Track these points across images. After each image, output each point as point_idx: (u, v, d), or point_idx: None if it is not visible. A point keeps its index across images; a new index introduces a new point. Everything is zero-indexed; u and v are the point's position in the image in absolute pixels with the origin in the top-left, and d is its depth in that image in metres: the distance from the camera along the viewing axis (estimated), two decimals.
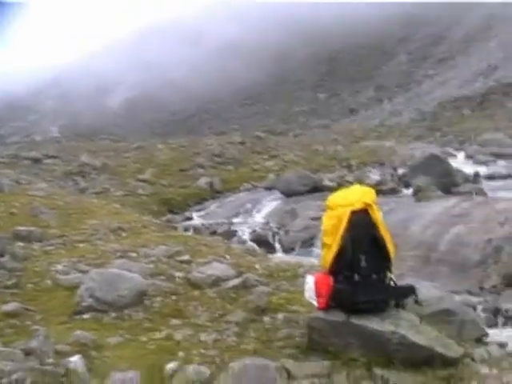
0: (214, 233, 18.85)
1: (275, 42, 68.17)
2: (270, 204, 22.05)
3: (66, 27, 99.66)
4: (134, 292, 6.65)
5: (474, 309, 10.31)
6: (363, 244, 5.20)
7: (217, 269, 7.71)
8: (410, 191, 19.72)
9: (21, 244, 9.47)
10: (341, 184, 22.13)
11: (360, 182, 22.29)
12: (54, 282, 7.59)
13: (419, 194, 18.50)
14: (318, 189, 21.94)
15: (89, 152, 26.65)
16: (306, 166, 24.97)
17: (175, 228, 14.20)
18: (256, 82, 66.13)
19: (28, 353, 5.21)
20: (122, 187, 23.05)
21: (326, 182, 22.43)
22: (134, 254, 8.93)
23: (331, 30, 64.00)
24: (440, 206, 16.98)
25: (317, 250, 17.28)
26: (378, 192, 20.84)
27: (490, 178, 21.12)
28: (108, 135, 41.34)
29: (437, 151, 24.00)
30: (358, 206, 5.30)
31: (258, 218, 21.24)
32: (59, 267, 8.09)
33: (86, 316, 6.49)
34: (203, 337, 5.86)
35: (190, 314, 6.51)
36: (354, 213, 5.26)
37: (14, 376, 4.85)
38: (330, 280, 5.26)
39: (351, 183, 22.50)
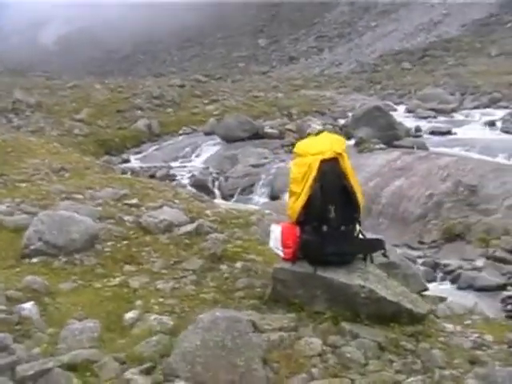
0: (152, 176, 18.52)
1: None
2: (210, 149, 21.80)
3: None
4: (85, 236, 6.36)
5: (414, 263, 10.41)
6: (333, 194, 5.05)
7: (168, 214, 7.47)
8: (351, 142, 19.73)
9: None
10: (282, 132, 22.09)
11: (300, 130, 22.24)
12: None
13: (361, 146, 18.58)
14: (258, 135, 21.75)
15: (23, 88, 25.58)
16: (247, 112, 24.70)
17: (118, 171, 13.78)
18: (195, 24, 64.63)
19: None
20: (57, 126, 22.34)
21: (267, 129, 22.25)
22: (79, 196, 8.59)
23: None
24: (382, 159, 17.09)
25: (257, 198, 17.31)
26: None
27: (431, 133, 21.31)
28: (42, 72, 39.73)
29: (372, 103, 24.02)
30: (328, 154, 5.13)
31: (198, 162, 21.01)
32: (2, 207, 7.68)
33: (34, 260, 6.18)
34: (160, 285, 5.67)
35: (144, 261, 6.29)
36: (324, 162, 5.09)
37: None
38: (297, 230, 5.10)
39: (292, 131, 22.43)
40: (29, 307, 4.88)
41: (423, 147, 18.59)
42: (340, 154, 5.17)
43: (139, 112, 24.95)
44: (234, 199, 17.33)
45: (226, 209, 8.56)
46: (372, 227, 14.06)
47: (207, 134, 23.02)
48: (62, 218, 6.37)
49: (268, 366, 4.15)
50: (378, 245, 5.27)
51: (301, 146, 5.36)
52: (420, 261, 11.58)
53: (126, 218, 7.51)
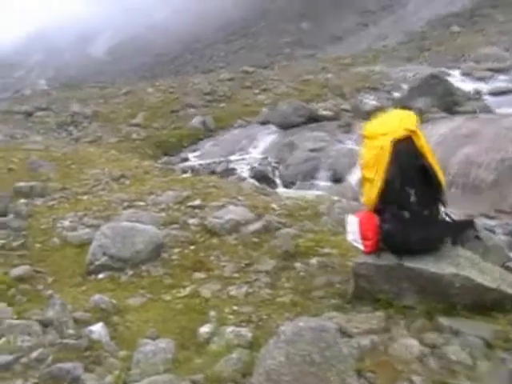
0: (212, 172, 18.18)
1: None
2: (266, 138, 21.28)
3: None
4: (151, 245, 5.98)
5: (494, 233, 9.64)
6: (411, 176, 4.46)
7: (233, 212, 7.01)
8: None
9: (23, 201, 8.81)
10: (337, 113, 21.40)
11: (356, 109, 21.52)
12: (62, 240, 6.94)
13: (421, 117, 17.72)
14: (313, 119, 21.11)
15: (79, 101, 25.72)
16: (299, 96, 24.05)
17: (178, 171, 13.47)
18: (238, 16, 64.17)
19: (45, 324, 4.54)
20: (114, 133, 22.28)
21: (322, 112, 21.59)
22: (141, 203, 8.23)
23: None
24: (445, 127, 16.21)
25: (320, 183, 16.74)
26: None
27: (492, 94, 20.23)
28: (96, 83, 40.02)
29: (430, 71, 23.01)
30: (400, 133, 4.55)
31: (256, 153, 20.52)
32: (65, 223, 7.41)
33: (101, 276, 5.85)
34: (233, 291, 5.21)
35: (214, 266, 5.85)
36: (396, 142, 4.51)
37: (34, 354, 4.21)
38: (376, 219, 4.55)
39: (347, 111, 21.72)
40: (98, 329, 4.51)
41: (486, 110, 17.62)
42: (413, 131, 4.58)
43: (192, 110, 24.66)
44: (295, 186, 16.83)
45: (293, 200, 8.04)
46: None
47: (262, 123, 22.51)
48: (124, 230, 6.00)
49: (363, 377, 3.63)
50: (467, 226, 4.65)
51: (368, 127, 4.79)
52: (500, 230, 10.79)
53: (191, 221, 7.10)
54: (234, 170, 18.65)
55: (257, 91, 26.02)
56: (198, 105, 25.11)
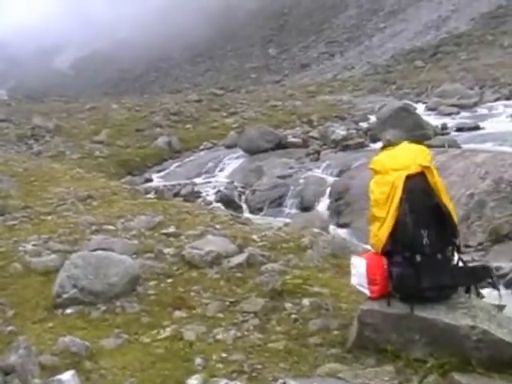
0: (176, 194, 17.68)
1: None
2: (233, 162, 20.88)
3: None
4: (126, 277, 5.40)
5: None
6: (424, 216, 4.05)
7: (213, 243, 6.50)
8: (378, 145, 18.76)
9: None
10: (306, 140, 21.12)
11: (324, 137, 21.27)
12: (24, 266, 6.26)
13: (389, 149, 17.51)
14: (282, 145, 20.80)
15: (41, 114, 24.90)
16: (266, 122, 23.82)
17: (145, 193, 12.89)
18: (205, 38, 63.96)
19: (7, 372, 3.92)
20: (77, 150, 21.58)
21: (291, 139, 21.30)
22: (111, 227, 7.64)
23: None
24: None
25: (287, 210, 16.34)
26: (346, 147, 19.89)
27: (459, 129, 20.23)
28: (59, 96, 39.11)
29: (397, 103, 22.98)
30: (414, 169, 4.15)
31: (222, 177, 20.09)
32: (28, 246, 6.76)
33: (69, 310, 5.22)
34: (220, 334, 4.66)
35: (195, 303, 5.30)
36: (409, 178, 4.11)
37: None
38: (384, 262, 4.11)
39: (316, 139, 21.44)
40: (68, 379, 3.88)
41: (455, 145, 17.52)
42: (427, 167, 4.18)
43: (158, 129, 24.13)
44: (262, 213, 16.41)
45: (272, 231, 7.55)
46: None
47: (229, 147, 22.14)
48: (98, 259, 5.40)
49: None
50: (483, 273, 4.25)
51: (379, 161, 4.36)
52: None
53: (167, 250, 6.55)
54: (199, 193, 18.15)
55: (224, 114, 25.68)
56: (163, 125, 24.58)
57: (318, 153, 19.22)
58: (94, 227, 7.61)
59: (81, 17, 76.63)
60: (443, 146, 17.33)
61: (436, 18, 47.72)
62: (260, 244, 6.83)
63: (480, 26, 43.39)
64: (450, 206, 4.17)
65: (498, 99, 26.19)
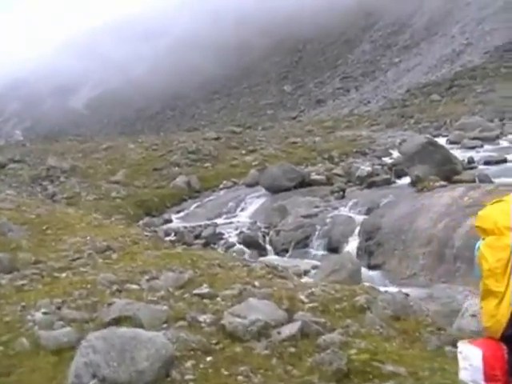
0: (198, 236, 16.69)
1: (234, 33, 65.68)
2: (255, 201, 19.84)
3: (25, 29, 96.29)
4: (158, 361, 4.27)
5: None
6: None
7: (257, 309, 5.38)
8: (404, 181, 17.74)
9: None
10: (329, 177, 20.11)
11: (349, 174, 20.25)
12: (32, 342, 5.14)
13: (420, 185, 16.43)
14: (305, 183, 19.78)
15: (56, 154, 24.08)
16: (286, 159, 22.86)
17: (168, 235, 11.85)
18: (220, 75, 63.60)
19: None
20: (93, 190, 20.63)
21: (314, 176, 20.27)
22: (134, 286, 6.57)
23: (293, 20, 61.69)
24: (447, 197, 14.89)
25: (314, 252, 15.25)
26: (372, 184, 18.83)
27: (486, 163, 19.15)
28: (74, 136, 38.50)
29: (420, 138, 21.97)
30: None
31: (244, 217, 19.02)
32: (38, 315, 5.67)
33: None
34: None
35: None
36: None
37: None
38: (505, 352, 2.99)
39: (340, 176, 20.41)
40: None
41: (486, 179, 16.41)
42: None
43: (177, 169, 23.21)
44: (288, 254, 15.36)
45: (319, 288, 6.45)
46: (448, 274, 12.05)
47: (249, 185, 21.13)
48: (122, 341, 4.28)
49: None
50: None
51: (489, 217, 3.22)
52: None
53: (202, 317, 5.43)
54: (221, 234, 17.09)
55: (244, 152, 24.74)
56: (182, 163, 23.65)
57: (344, 190, 18.17)
58: (114, 287, 6.53)
59: (95, 56, 76.84)
60: (474, 181, 16.29)
61: (450, 51, 47.05)
62: (309, 305, 5.74)
63: (494, 59, 42.68)
64: None
65: None
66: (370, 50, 57.64)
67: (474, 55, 44.35)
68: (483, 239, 3.16)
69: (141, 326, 5.00)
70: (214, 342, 5.00)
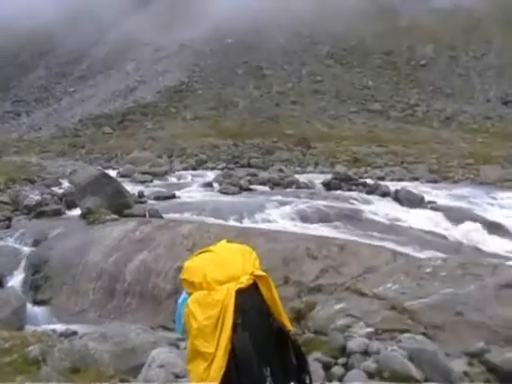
0: None
1: None
2: None
3: None
4: None
5: (177, 347, 8.24)
6: (264, 347, 2.77)
7: None
8: (75, 213, 17.15)
9: None
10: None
11: (16, 202, 18.80)
12: None
13: (90, 217, 15.95)
14: None
15: None
16: None
17: None
18: None
19: None
20: None
21: None
22: None
23: None
24: (119, 231, 14.67)
25: None
26: (41, 214, 17.82)
27: (156, 198, 19.59)
28: None
29: (90, 169, 21.65)
30: (245, 280, 2.83)
31: None
32: None
33: None
34: None
35: None
36: (239, 292, 2.79)
37: None
38: None
39: (6, 203, 18.83)
40: None
41: (157, 214, 16.67)
42: (262, 277, 2.87)
43: None
44: None
45: None
46: (119, 309, 11.80)
47: None
48: None
49: None
50: None
51: (197, 268, 2.91)
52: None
53: None
54: None
55: None
56: None
57: (10, 219, 16.78)
58: None
59: None
60: (145, 216, 16.41)
61: (124, 87, 47.87)
62: None
63: (165, 99, 44.76)
64: (286, 317, 2.92)
65: (185, 168, 26.83)
66: (45, 76, 55.61)
67: (146, 93, 45.87)
68: (190, 294, 2.83)
69: None
70: None
